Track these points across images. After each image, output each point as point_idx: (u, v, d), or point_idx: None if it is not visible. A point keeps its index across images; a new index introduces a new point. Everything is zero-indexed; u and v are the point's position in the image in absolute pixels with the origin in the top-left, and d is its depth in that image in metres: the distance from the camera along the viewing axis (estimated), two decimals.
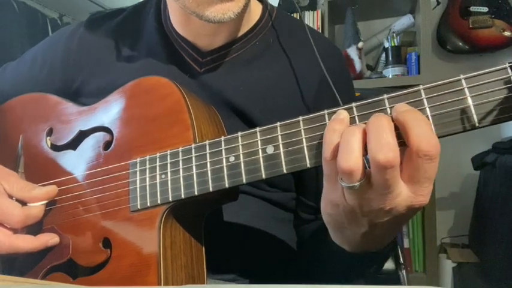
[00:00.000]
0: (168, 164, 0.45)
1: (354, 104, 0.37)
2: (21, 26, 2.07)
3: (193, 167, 0.44)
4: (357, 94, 0.75)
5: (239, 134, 0.42)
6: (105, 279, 0.46)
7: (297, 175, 0.60)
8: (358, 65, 1.63)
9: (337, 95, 0.52)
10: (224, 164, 0.42)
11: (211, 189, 0.42)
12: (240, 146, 0.41)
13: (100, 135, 0.52)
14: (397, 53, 1.65)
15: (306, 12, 1.78)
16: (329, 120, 0.37)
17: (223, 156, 0.42)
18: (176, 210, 0.45)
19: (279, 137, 0.40)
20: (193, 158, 0.44)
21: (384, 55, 1.73)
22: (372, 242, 0.41)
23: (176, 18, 0.60)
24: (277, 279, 0.58)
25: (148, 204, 0.45)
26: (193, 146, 0.44)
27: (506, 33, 1.62)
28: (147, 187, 0.46)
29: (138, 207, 0.46)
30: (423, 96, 0.34)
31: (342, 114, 0.36)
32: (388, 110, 0.35)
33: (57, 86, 0.64)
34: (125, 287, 0.44)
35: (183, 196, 0.44)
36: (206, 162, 0.43)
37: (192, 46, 0.60)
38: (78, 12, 2.41)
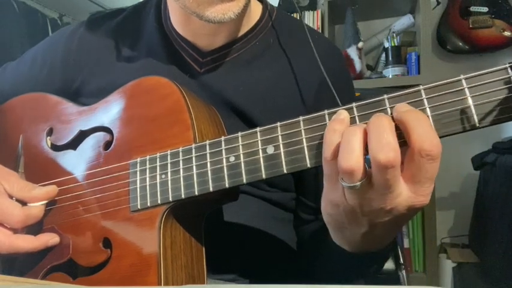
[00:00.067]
0: (169, 164, 0.45)
1: (354, 104, 0.37)
2: (21, 26, 2.07)
3: (194, 167, 0.44)
4: (357, 94, 0.75)
5: (239, 134, 0.42)
6: (105, 279, 0.46)
7: (297, 175, 0.60)
8: (358, 65, 1.63)
9: (336, 96, 0.52)
10: (224, 164, 0.42)
11: (211, 189, 0.42)
12: (240, 146, 0.41)
13: (100, 135, 0.52)
14: (397, 53, 1.65)
15: (306, 12, 1.78)
16: (329, 120, 0.37)
17: (224, 156, 0.42)
18: (176, 210, 0.45)
19: (279, 137, 0.40)
20: (194, 158, 0.44)
21: (383, 55, 1.73)
22: (372, 242, 0.41)
23: (176, 18, 0.60)
24: (277, 279, 0.58)
25: (149, 204, 0.45)
26: (193, 146, 0.44)
27: (506, 33, 1.62)
28: (147, 187, 0.46)
29: (138, 207, 0.46)
30: (423, 96, 0.34)
31: (342, 114, 0.36)
32: (389, 110, 0.35)
33: (57, 86, 0.64)
34: (125, 287, 0.44)
35: (183, 196, 0.44)
36: (206, 162, 0.43)
37: (192, 46, 0.60)
38: (78, 12, 2.41)
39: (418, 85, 0.35)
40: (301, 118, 0.39)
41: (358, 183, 0.33)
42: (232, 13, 0.50)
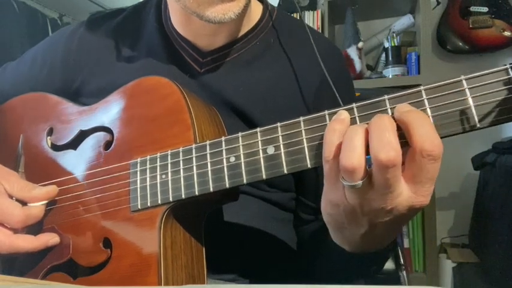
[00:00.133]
0: (169, 164, 0.45)
1: (354, 105, 0.37)
2: (21, 26, 2.07)
3: (194, 167, 0.44)
4: (357, 94, 0.75)
5: (240, 134, 0.42)
6: (105, 279, 0.46)
7: (297, 175, 0.60)
8: (358, 65, 1.63)
9: (337, 95, 0.52)
10: (225, 164, 0.42)
11: (211, 190, 0.42)
12: (241, 147, 0.41)
13: (100, 135, 0.52)
14: (397, 53, 1.65)
15: (306, 12, 1.78)
16: (330, 120, 0.37)
17: (224, 156, 0.42)
18: (177, 210, 0.45)
19: (280, 137, 0.40)
20: (194, 158, 0.44)
21: (383, 55, 1.73)
22: (372, 242, 0.41)
23: (177, 19, 0.60)
24: (277, 279, 0.59)
25: (149, 204, 0.45)
26: (193, 146, 0.44)
27: (506, 33, 1.62)
28: (148, 187, 0.46)
29: (139, 207, 0.46)
30: (424, 96, 0.34)
31: (343, 114, 0.36)
32: (389, 110, 0.35)
33: (57, 86, 0.64)
34: (125, 287, 0.44)
35: (183, 196, 0.44)
36: (207, 163, 0.43)
37: (192, 46, 0.60)
38: (78, 12, 2.41)
39: (418, 85, 0.35)
40: (301, 118, 0.39)
41: (359, 182, 0.33)
42: (233, 13, 0.50)
